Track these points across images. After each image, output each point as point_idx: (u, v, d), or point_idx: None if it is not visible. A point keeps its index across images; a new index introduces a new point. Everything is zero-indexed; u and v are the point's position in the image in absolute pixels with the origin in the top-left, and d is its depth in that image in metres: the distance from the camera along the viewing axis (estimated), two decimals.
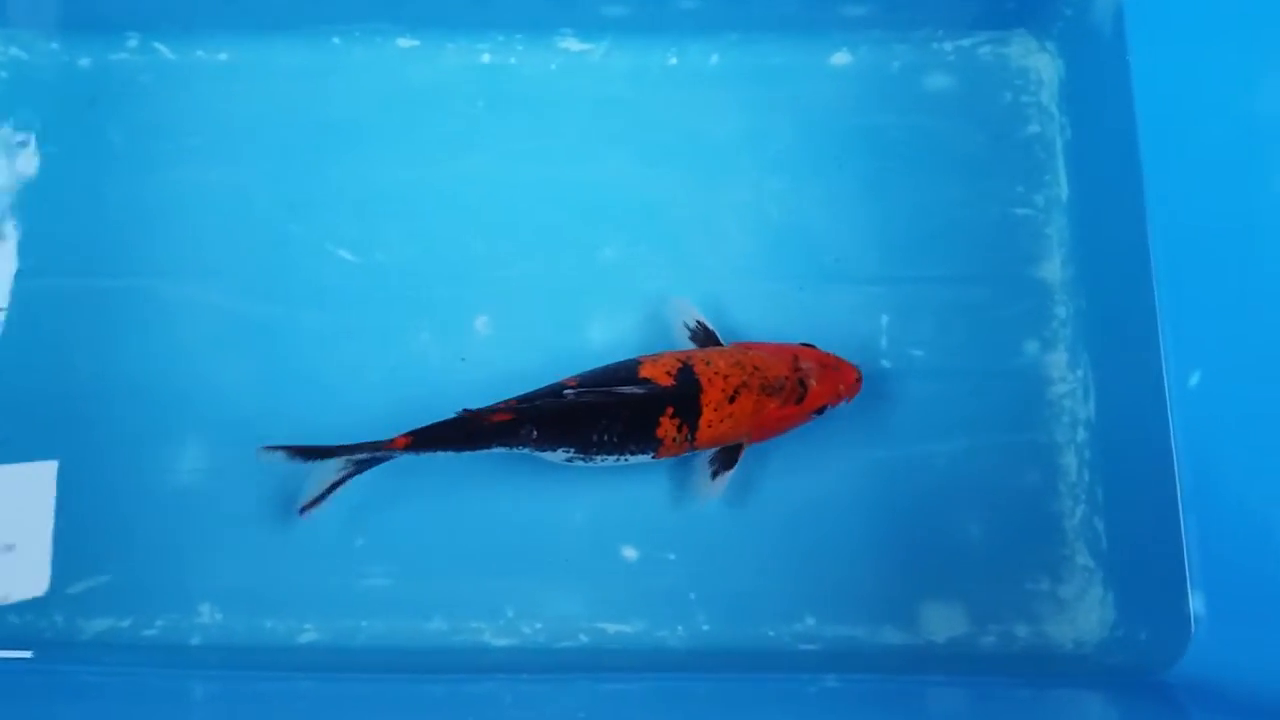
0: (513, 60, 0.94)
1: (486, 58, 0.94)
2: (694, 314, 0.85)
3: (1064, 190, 0.91)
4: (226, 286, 0.89)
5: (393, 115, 0.93)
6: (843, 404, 0.83)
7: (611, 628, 0.84)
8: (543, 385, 0.81)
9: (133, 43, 0.94)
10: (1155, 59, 0.86)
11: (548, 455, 0.79)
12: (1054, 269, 0.90)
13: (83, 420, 0.87)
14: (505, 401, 0.79)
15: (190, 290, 0.90)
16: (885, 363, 0.88)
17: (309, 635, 0.84)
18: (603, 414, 0.78)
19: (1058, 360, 0.88)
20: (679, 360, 0.80)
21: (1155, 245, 0.82)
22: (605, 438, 0.78)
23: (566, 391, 0.78)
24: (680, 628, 0.83)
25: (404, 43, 0.95)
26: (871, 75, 0.93)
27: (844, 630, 0.83)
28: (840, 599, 0.84)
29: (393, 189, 0.91)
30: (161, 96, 0.93)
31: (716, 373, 0.79)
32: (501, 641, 0.83)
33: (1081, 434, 0.87)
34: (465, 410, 0.78)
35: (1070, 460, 0.86)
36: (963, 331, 0.89)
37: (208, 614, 0.84)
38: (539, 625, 0.83)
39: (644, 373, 0.79)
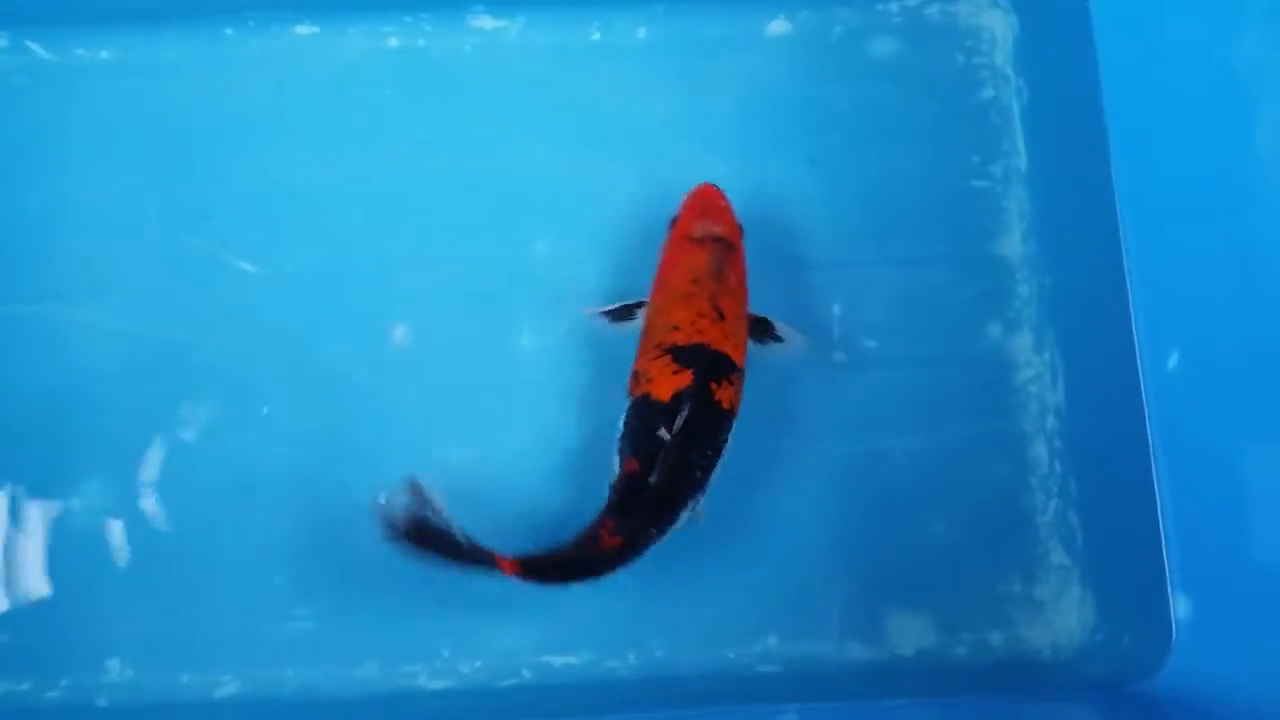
0: (421, 43, 0.87)
1: (393, 41, 0.87)
2: (597, 309, 0.80)
3: (1023, 159, 0.85)
4: (120, 307, 0.83)
5: (293, 109, 0.86)
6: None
7: (557, 660, 0.78)
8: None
9: (2, 42, 0.86)
10: (1119, 9, 0.79)
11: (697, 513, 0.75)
12: (1014, 244, 0.84)
13: None
14: (601, 523, 0.73)
15: (80, 313, 0.83)
16: (839, 355, 0.83)
17: (229, 688, 0.77)
18: (686, 462, 0.73)
19: (1022, 343, 0.83)
20: (662, 351, 0.75)
21: (1125, 215, 0.77)
22: (704, 463, 0.73)
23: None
24: (632, 656, 0.78)
25: (302, 30, 0.87)
26: (812, 43, 0.87)
27: (808, 647, 0.78)
28: (803, 614, 0.78)
29: (296, 191, 0.85)
30: (38, 100, 0.87)
31: (690, 321, 0.75)
32: (438, 684, 0.77)
33: (1051, 422, 0.81)
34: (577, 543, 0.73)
35: (1040, 451, 0.81)
36: (919, 316, 0.83)
37: (116, 670, 0.77)
38: (478, 664, 0.78)
39: (659, 393, 0.73)
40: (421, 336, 0.82)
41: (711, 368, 0.74)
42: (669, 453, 0.72)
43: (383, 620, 0.78)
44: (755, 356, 0.79)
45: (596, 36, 0.87)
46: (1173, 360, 0.74)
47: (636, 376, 0.76)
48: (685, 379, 0.74)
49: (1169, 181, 0.75)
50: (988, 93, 0.87)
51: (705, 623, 0.78)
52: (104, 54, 0.87)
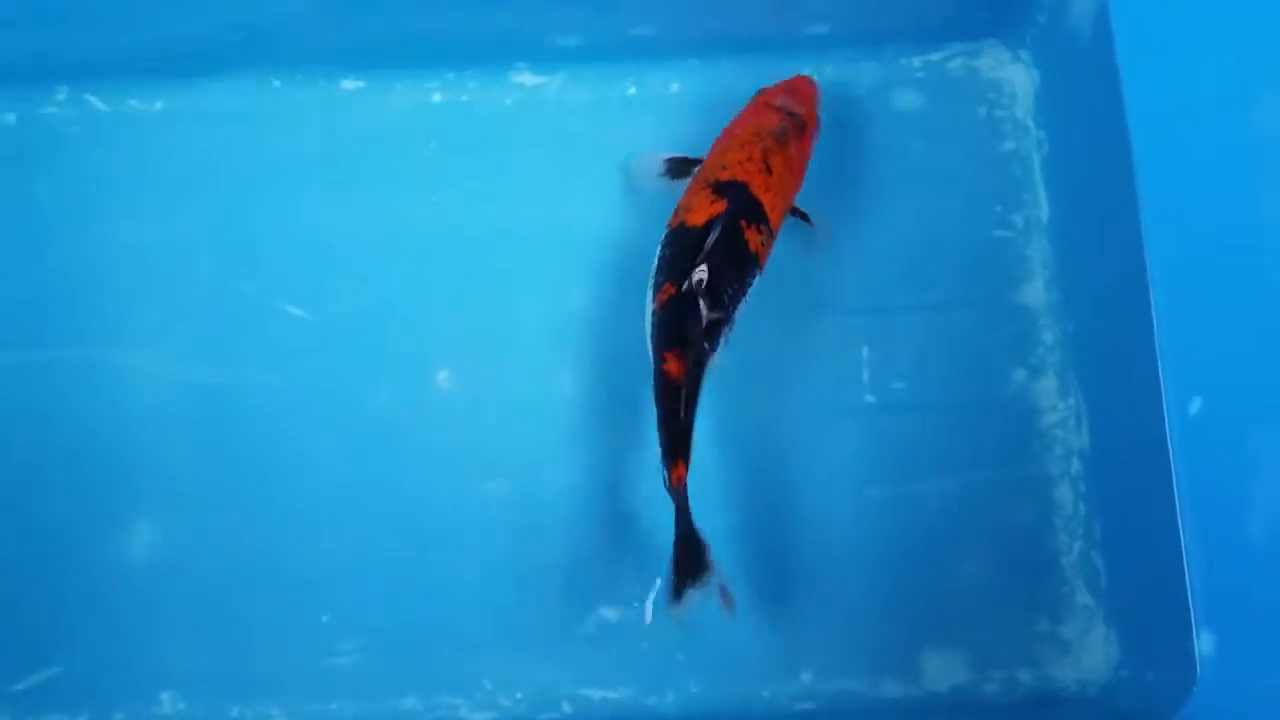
0: (465, 98, 0.90)
1: (437, 97, 0.90)
2: (659, 159, 0.85)
3: (1044, 209, 0.88)
4: (171, 351, 0.85)
5: (340, 161, 0.89)
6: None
7: (597, 694, 0.80)
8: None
9: (61, 95, 0.90)
10: (1143, 62, 0.81)
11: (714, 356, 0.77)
12: (1038, 292, 0.87)
13: (22, 501, 0.82)
14: (660, 353, 0.76)
15: (133, 357, 0.85)
16: (869, 397, 0.85)
17: None
18: (711, 287, 0.77)
19: (1047, 388, 0.85)
20: (705, 186, 0.79)
21: (1152, 263, 0.78)
22: (727, 296, 0.77)
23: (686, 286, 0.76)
24: (670, 693, 0.80)
25: (349, 84, 0.90)
26: (839, 96, 0.90)
27: (842, 685, 0.80)
28: (836, 651, 0.80)
29: (343, 239, 0.87)
30: (94, 150, 0.89)
31: (739, 163, 0.79)
32: (480, 716, 0.79)
33: (1076, 465, 0.84)
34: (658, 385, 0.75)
35: (1065, 493, 0.83)
36: (946, 361, 0.85)
37: (169, 703, 0.79)
38: (519, 696, 0.79)
39: (694, 220, 0.78)
40: (464, 380, 0.85)
41: (747, 208, 0.78)
42: (701, 265, 0.76)
43: (425, 653, 0.80)
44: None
45: (631, 91, 0.90)
46: (1195, 405, 0.76)
47: (676, 210, 0.80)
48: (720, 207, 0.77)
49: (1194, 231, 0.77)
50: (1009, 144, 0.90)
51: (741, 661, 0.80)
52: (157, 105, 0.90)
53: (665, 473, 0.75)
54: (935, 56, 0.91)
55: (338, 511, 0.82)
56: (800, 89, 0.85)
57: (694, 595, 0.73)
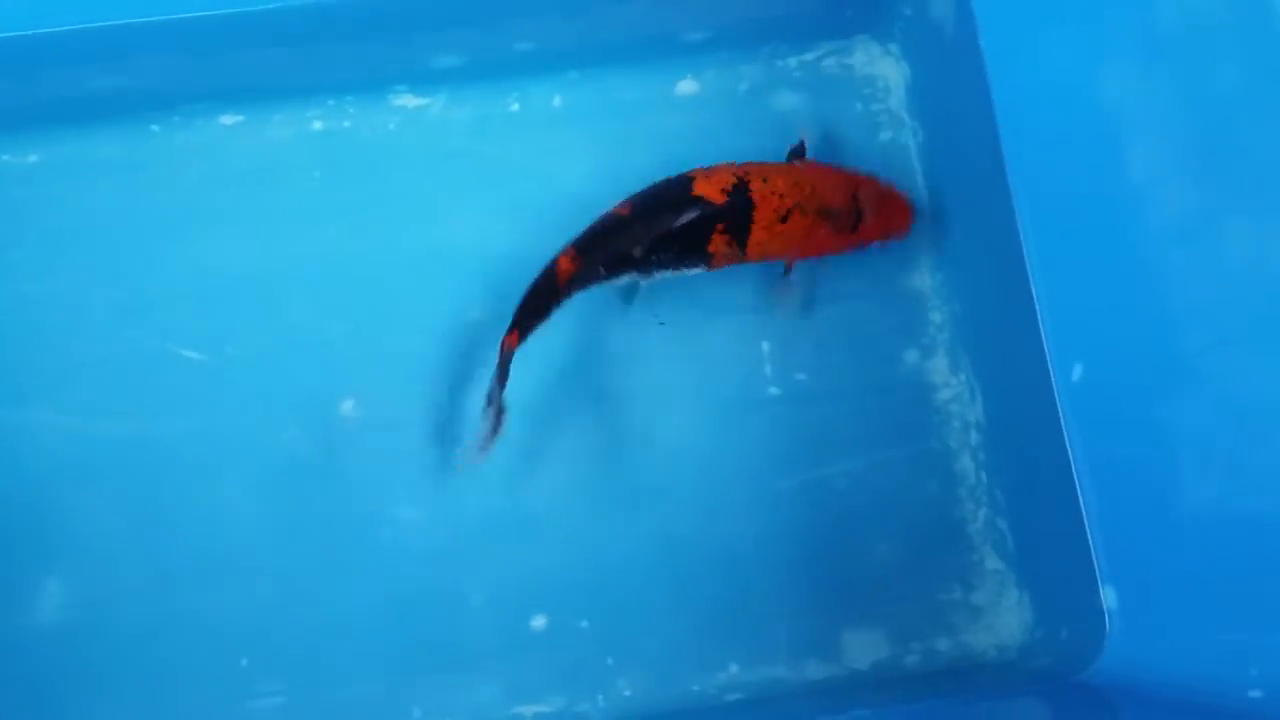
0: (347, 124, 0.90)
1: (318, 124, 0.90)
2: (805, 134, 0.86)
3: (923, 194, 0.91)
4: (69, 406, 0.84)
5: (224, 198, 0.88)
6: (891, 242, 0.85)
7: (528, 710, 0.80)
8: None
9: None
10: (1005, 46, 0.85)
11: (615, 282, 0.81)
12: (924, 276, 0.89)
13: None
14: (566, 248, 0.79)
15: (30, 415, 0.83)
16: (773, 390, 0.87)
17: None
18: (659, 238, 0.80)
19: (939, 366, 0.88)
20: (735, 175, 0.80)
21: (1027, 239, 0.82)
22: (662, 256, 0.80)
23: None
24: (601, 698, 0.80)
25: (227, 120, 0.89)
26: (720, 100, 0.92)
27: (768, 672, 0.81)
28: (760, 640, 0.82)
29: (234, 277, 0.86)
30: None
31: (773, 191, 0.80)
32: None
33: (974, 437, 0.86)
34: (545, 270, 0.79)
35: (966, 465, 0.86)
36: (843, 349, 0.88)
37: None
38: None
39: (698, 189, 0.79)
40: (369, 408, 0.84)
41: (734, 222, 0.79)
42: (652, 219, 0.79)
43: (350, 687, 0.79)
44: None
45: (515, 107, 0.91)
46: (1076, 372, 0.79)
47: (700, 170, 0.82)
48: (717, 199, 0.79)
49: (1063, 207, 0.81)
50: (886, 135, 0.92)
51: (667, 659, 0.81)
52: (31, 158, 0.88)
53: (506, 335, 0.79)
54: (810, 56, 0.93)
55: (251, 553, 0.81)
56: (890, 211, 0.85)
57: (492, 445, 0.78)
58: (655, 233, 0.79)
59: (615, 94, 0.92)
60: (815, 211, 0.81)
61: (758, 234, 0.80)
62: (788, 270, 0.85)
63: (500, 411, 0.79)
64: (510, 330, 0.79)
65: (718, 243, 0.80)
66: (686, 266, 0.81)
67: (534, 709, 0.80)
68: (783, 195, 0.80)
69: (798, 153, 0.87)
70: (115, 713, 0.78)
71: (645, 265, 0.80)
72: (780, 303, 0.86)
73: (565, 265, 0.79)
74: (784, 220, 0.80)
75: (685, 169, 0.89)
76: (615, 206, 0.81)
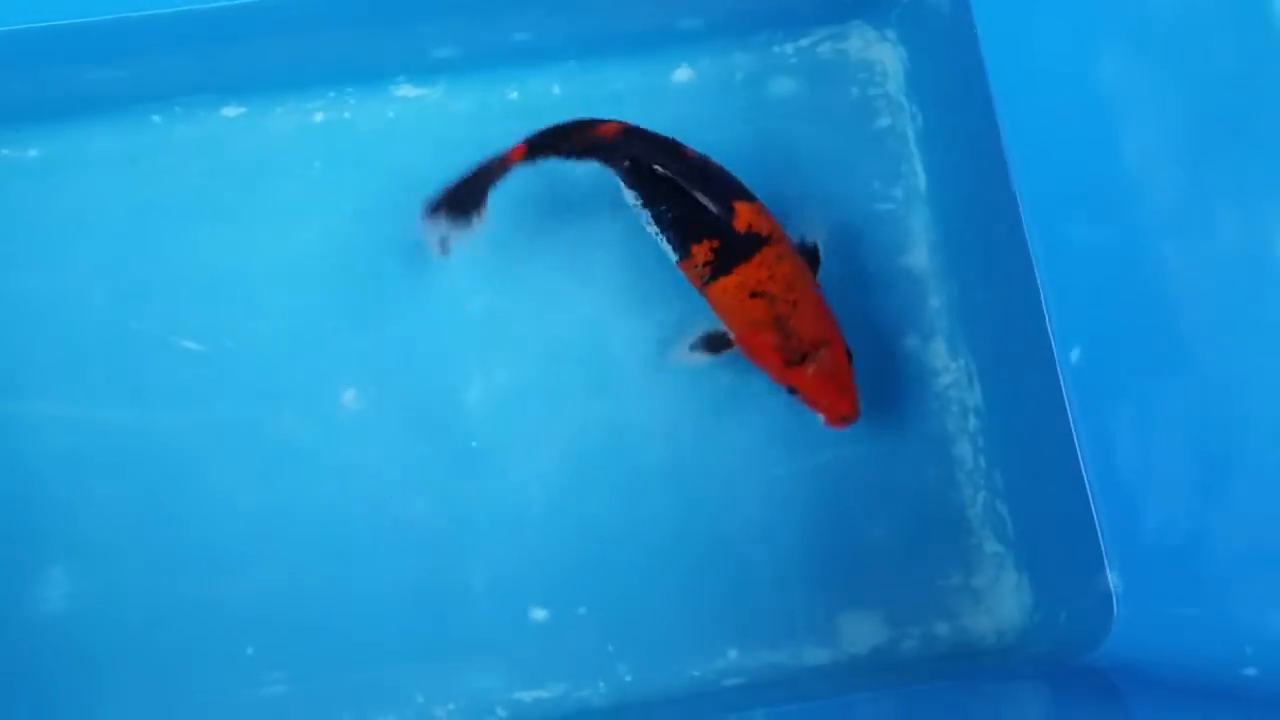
0: (347, 115, 0.90)
1: (319, 116, 0.90)
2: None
3: (921, 179, 0.91)
4: (71, 397, 0.84)
5: (226, 189, 0.88)
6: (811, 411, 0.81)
7: (529, 695, 0.80)
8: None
9: None
10: (1000, 30, 0.85)
11: (624, 192, 0.81)
12: (922, 259, 0.89)
13: None
14: (618, 121, 0.80)
15: (32, 406, 0.84)
16: None
17: None
18: (677, 195, 0.79)
19: (938, 350, 0.88)
20: (765, 229, 0.79)
21: (1028, 222, 0.82)
22: (666, 210, 0.80)
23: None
24: (602, 684, 0.81)
25: (229, 111, 0.90)
26: (716, 88, 0.92)
27: (767, 657, 0.82)
28: (759, 626, 0.82)
29: (234, 268, 0.87)
30: None
31: (767, 268, 0.79)
32: None
33: (973, 421, 0.87)
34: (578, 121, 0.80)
35: (965, 449, 0.86)
36: (842, 334, 0.87)
37: None
38: (452, 706, 0.80)
39: (736, 204, 0.79)
40: (370, 398, 0.85)
41: (736, 252, 0.78)
42: (684, 182, 0.78)
43: (354, 674, 0.80)
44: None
45: (514, 96, 0.91)
46: (1075, 355, 0.79)
47: (763, 212, 0.80)
48: (743, 229, 0.78)
49: (1061, 191, 0.81)
50: (884, 121, 0.92)
51: (667, 644, 0.81)
52: (32, 152, 0.89)
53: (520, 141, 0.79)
54: (805, 42, 0.94)
55: (254, 541, 0.82)
56: (828, 390, 0.80)
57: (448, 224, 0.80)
58: (681, 186, 0.79)
59: (612, 83, 0.92)
60: (777, 315, 0.79)
61: (729, 281, 0.78)
62: (706, 345, 0.82)
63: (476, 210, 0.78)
64: (523, 144, 0.79)
65: (702, 249, 0.79)
66: (667, 238, 0.80)
67: (535, 694, 0.80)
68: (771, 278, 0.78)
69: (809, 250, 0.84)
70: (122, 701, 0.79)
71: (652, 203, 0.80)
72: (677, 351, 0.83)
73: (610, 128, 0.79)
74: (753, 296, 0.78)
75: None
76: (684, 149, 0.80)
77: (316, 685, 0.79)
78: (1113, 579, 0.78)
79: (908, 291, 0.89)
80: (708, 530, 0.83)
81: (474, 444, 0.84)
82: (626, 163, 0.80)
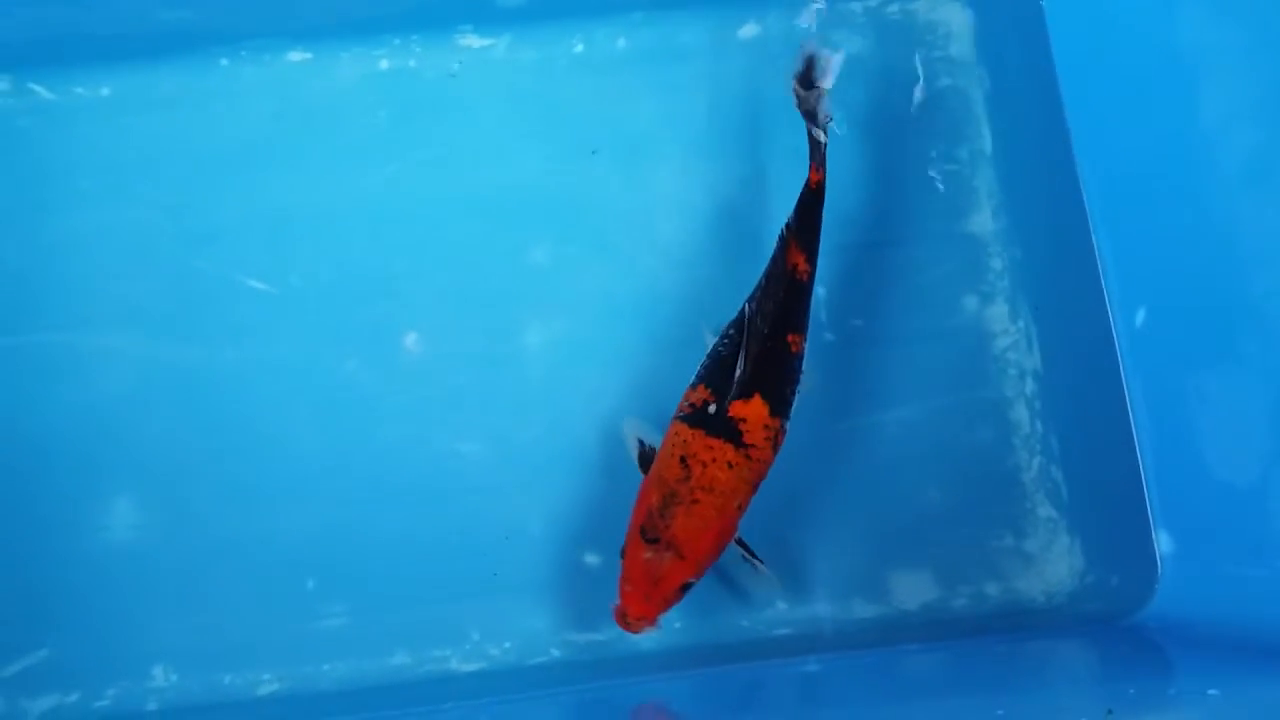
0: (412, 63, 0.91)
1: (384, 64, 0.91)
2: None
3: (987, 142, 0.90)
4: (137, 331, 0.86)
5: (291, 134, 0.89)
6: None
7: (582, 638, 0.82)
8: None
9: (4, 85, 0.89)
10: None
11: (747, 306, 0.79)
12: (985, 221, 0.89)
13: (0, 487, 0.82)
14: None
15: (100, 339, 0.85)
16: (828, 335, 0.87)
17: (269, 686, 0.80)
18: (737, 341, 0.78)
19: (998, 313, 0.88)
20: (751, 436, 0.76)
21: (1087, 186, 0.82)
22: (726, 340, 0.78)
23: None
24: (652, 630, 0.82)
25: (295, 56, 0.91)
26: (782, 45, 0.91)
27: (816, 610, 0.82)
28: (809, 579, 0.83)
29: (300, 211, 0.88)
30: (43, 139, 0.89)
31: (712, 457, 0.75)
32: (469, 667, 0.81)
33: (1030, 385, 0.86)
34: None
35: (1021, 413, 0.86)
36: (900, 295, 0.88)
37: (161, 676, 0.80)
38: (507, 645, 0.81)
39: (756, 395, 0.75)
40: (431, 342, 0.86)
41: (716, 422, 0.75)
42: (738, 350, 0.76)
43: (411, 610, 0.81)
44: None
45: (579, 49, 0.91)
46: (1140, 317, 0.79)
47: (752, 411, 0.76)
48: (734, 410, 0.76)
49: (1125, 152, 0.80)
50: (950, 82, 0.92)
51: (717, 594, 0.82)
52: (104, 91, 0.90)
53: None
54: (873, 2, 0.93)
55: (315, 478, 0.83)
56: (650, 586, 0.74)
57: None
58: (744, 344, 0.76)
59: (678, 37, 0.92)
60: (674, 493, 0.74)
61: (682, 428, 0.76)
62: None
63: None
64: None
65: (701, 392, 0.76)
66: (712, 347, 0.78)
67: (588, 637, 0.82)
68: (704, 468, 0.74)
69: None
70: (183, 628, 0.81)
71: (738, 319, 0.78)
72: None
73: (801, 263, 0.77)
74: (680, 459, 0.74)
75: (746, 113, 0.90)
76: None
77: (375, 619, 0.81)
78: (1161, 541, 0.78)
79: (969, 253, 0.88)
80: (763, 482, 0.84)
81: (532, 391, 0.85)
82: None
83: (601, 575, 0.82)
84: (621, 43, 0.92)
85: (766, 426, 0.76)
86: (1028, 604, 0.83)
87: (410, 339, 0.86)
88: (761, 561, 0.79)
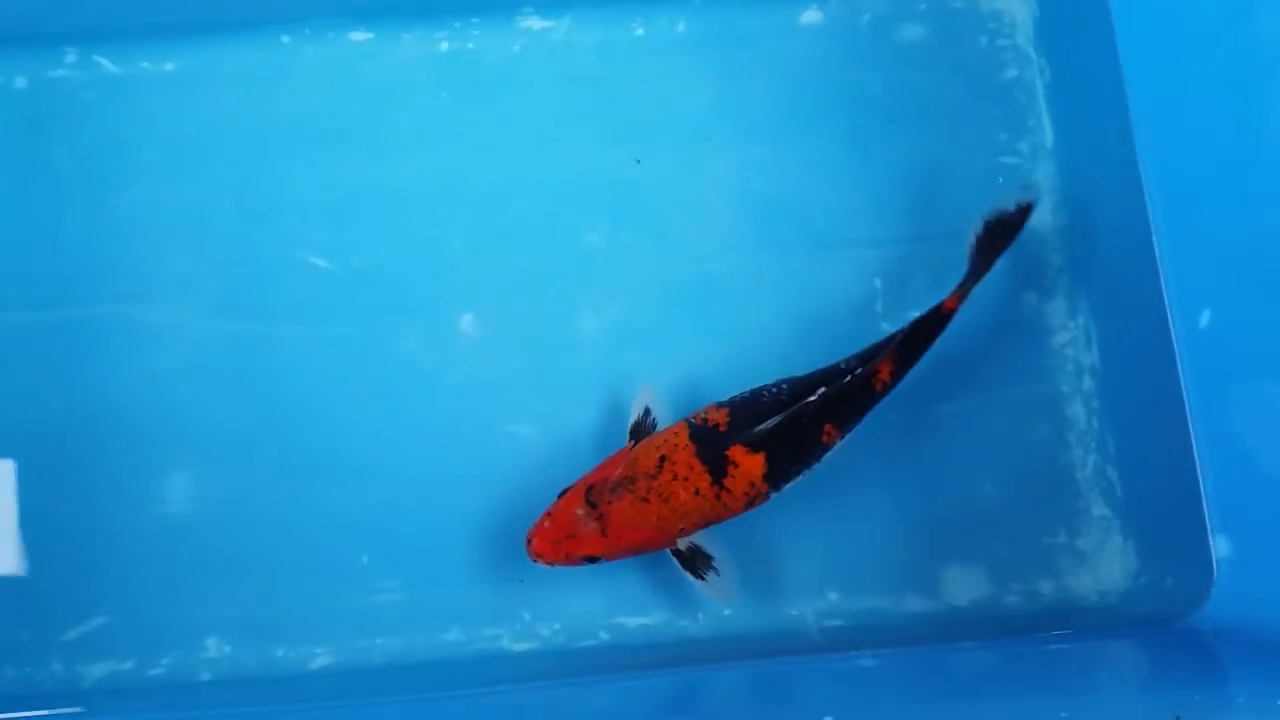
0: (471, 45, 0.91)
1: (445, 45, 0.91)
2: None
3: (1048, 135, 0.89)
4: (197, 306, 0.86)
5: (352, 113, 0.90)
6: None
7: (632, 621, 0.82)
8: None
9: (71, 58, 0.90)
10: None
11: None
12: (1045, 216, 0.88)
13: (60, 458, 0.84)
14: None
15: (159, 313, 0.86)
16: (885, 325, 0.87)
17: (322, 660, 0.81)
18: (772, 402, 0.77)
19: (1057, 309, 0.87)
20: (744, 473, 0.76)
21: (1150, 183, 0.80)
22: (768, 392, 0.78)
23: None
24: (701, 615, 0.82)
25: (357, 36, 0.91)
26: (843, 31, 0.91)
27: (868, 603, 0.82)
28: (861, 571, 0.83)
29: (361, 190, 0.88)
30: (108, 113, 0.90)
31: (684, 464, 0.75)
32: (521, 646, 0.82)
33: (1088, 382, 0.86)
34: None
35: (1078, 410, 0.85)
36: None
37: (214, 647, 0.81)
38: (558, 626, 0.82)
39: (759, 448, 0.75)
40: (487, 324, 0.86)
41: (721, 465, 0.75)
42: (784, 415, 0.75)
43: (464, 589, 0.82)
44: None
45: (639, 32, 0.91)
46: (1204, 318, 0.78)
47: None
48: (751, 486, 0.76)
49: (1191, 149, 0.79)
50: (1011, 73, 0.91)
51: (769, 582, 0.82)
52: (169, 66, 0.90)
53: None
54: None
55: (371, 455, 0.84)
56: (564, 528, 0.76)
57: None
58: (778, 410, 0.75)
59: (739, 22, 0.91)
60: (630, 478, 0.75)
61: (678, 428, 0.76)
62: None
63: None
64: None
65: (714, 410, 0.76)
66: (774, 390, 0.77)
67: (638, 620, 0.82)
68: (676, 472, 0.74)
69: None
70: (237, 600, 0.82)
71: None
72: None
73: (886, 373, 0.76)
74: (661, 460, 0.75)
75: (806, 100, 0.90)
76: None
77: (428, 596, 0.82)
78: (1218, 544, 0.77)
79: (1029, 247, 0.88)
80: (816, 471, 0.83)
81: (585, 375, 0.85)
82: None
83: (652, 560, 0.82)
84: (681, 27, 0.91)
85: (752, 484, 0.75)
86: (1080, 603, 0.82)
87: (466, 320, 0.86)
88: (703, 577, 0.78)
